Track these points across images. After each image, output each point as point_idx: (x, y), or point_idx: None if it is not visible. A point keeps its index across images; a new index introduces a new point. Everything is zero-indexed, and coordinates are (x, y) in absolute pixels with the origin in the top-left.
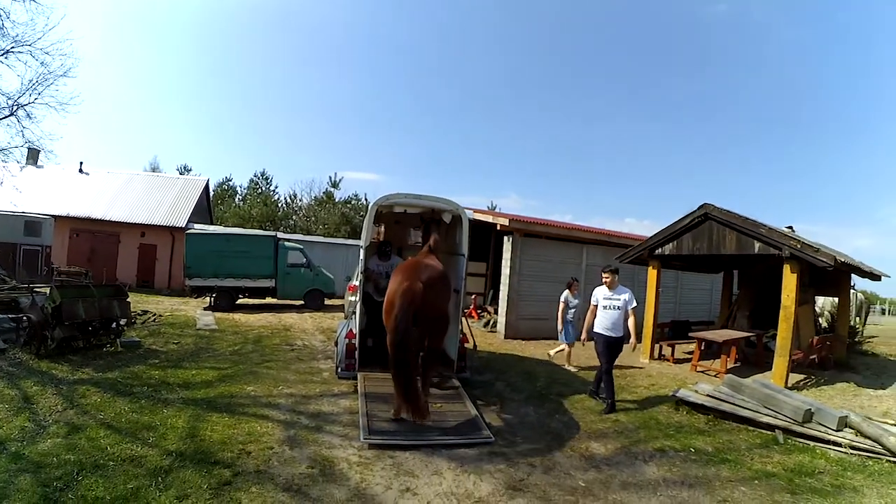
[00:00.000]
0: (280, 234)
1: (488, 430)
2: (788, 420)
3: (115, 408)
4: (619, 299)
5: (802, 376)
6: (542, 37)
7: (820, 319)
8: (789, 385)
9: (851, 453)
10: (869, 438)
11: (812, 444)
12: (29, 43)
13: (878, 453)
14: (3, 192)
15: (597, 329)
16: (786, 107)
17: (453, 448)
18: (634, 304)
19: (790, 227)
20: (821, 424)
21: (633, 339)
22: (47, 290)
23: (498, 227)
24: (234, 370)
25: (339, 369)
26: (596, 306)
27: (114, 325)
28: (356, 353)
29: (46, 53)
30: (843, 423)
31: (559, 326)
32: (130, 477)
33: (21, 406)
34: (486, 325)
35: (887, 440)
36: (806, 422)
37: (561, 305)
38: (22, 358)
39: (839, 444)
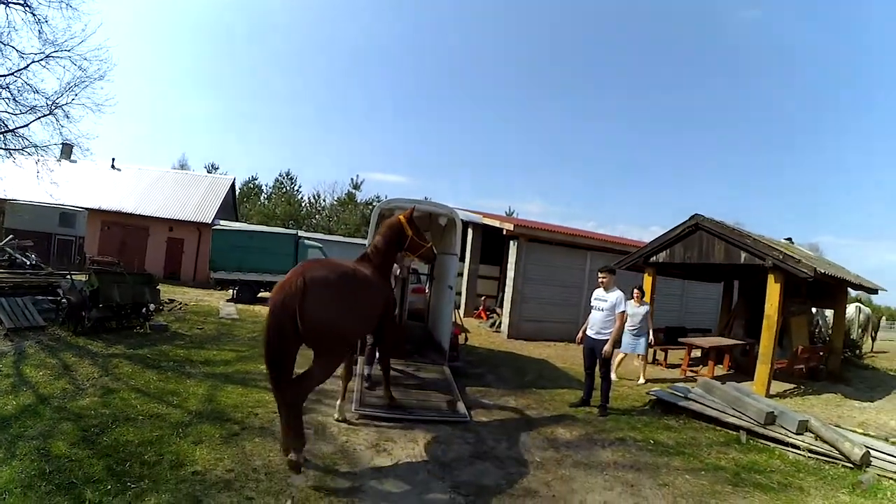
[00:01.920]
0: (301, 233)
1: (466, 412)
2: (752, 421)
3: (144, 377)
4: (605, 300)
5: (791, 386)
6: (571, 39)
7: (824, 331)
8: (772, 393)
9: (809, 456)
10: (826, 442)
11: (773, 445)
12: (68, 49)
13: (835, 458)
14: (39, 185)
15: (587, 330)
16: (814, 110)
17: (433, 423)
18: (623, 307)
19: (789, 239)
20: (783, 427)
21: (607, 346)
22: (83, 277)
23: (504, 232)
24: (250, 352)
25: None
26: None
27: (144, 309)
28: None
29: (84, 59)
30: (804, 427)
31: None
32: (156, 427)
33: (61, 372)
34: (493, 325)
35: (842, 445)
36: (769, 424)
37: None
38: (60, 335)
39: (798, 447)
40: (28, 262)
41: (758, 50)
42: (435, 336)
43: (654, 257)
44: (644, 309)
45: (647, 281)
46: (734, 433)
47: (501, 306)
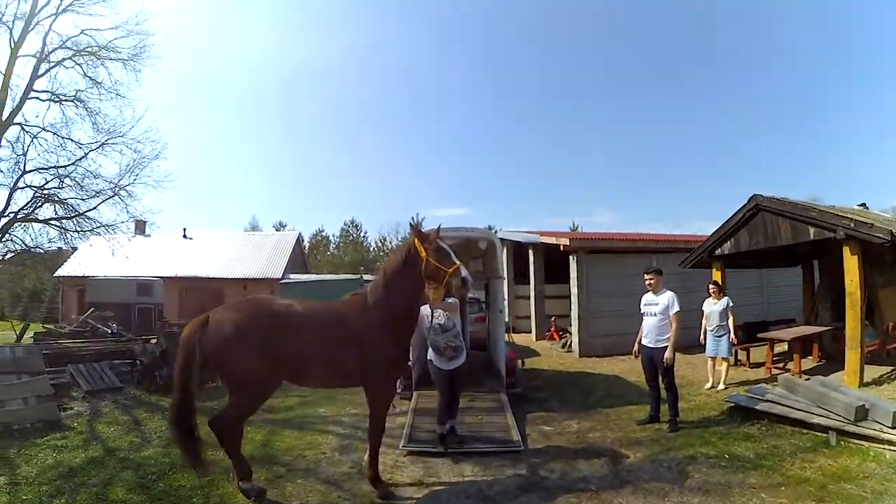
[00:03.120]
0: (367, 276)
1: (520, 439)
2: (841, 419)
3: (206, 428)
4: (657, 303)
5: (888, 369)
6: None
7: None
8: (867, 381)
9: None
10: None
11: (867, 444)
12: (121, 134)
13: None
14: (115, 261)
15: (642, 340)
16: None
17: (484, 455)
18: (676, 308)
19: (862, 205)
20: (876, 422)
21: (668, 353)
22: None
23: (561, 248)
24: (313, 396)
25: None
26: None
27: None
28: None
29: (138, 142)
30: None
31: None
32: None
33: (131, 427)
34: (564, 345)
35: None
36: (860, 420)
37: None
38: (135, 394)
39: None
40: (109, 331)
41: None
42: (494, 364)
43: (719, 249)
44: (722, 304)
45: (717, 275)
46: (822, 435)
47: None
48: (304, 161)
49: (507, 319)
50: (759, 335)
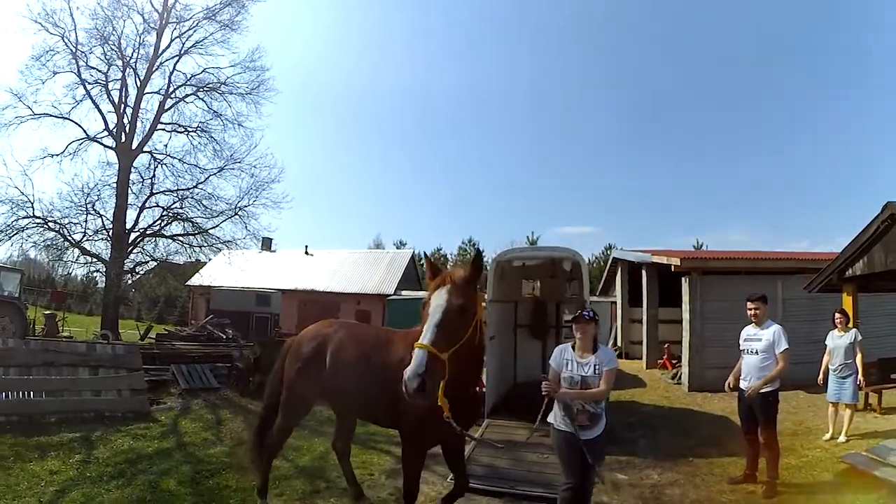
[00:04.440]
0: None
1: None
2: None
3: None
4: (759, 339)
5: None
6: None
7: None
8: None
9: None
10: None
11: None
12: (239, 160)
13: None
14: (240, 273)
15: (741, 382)
16: None
17: (535, 501)
18: (785, 345)
19: None
20: None
21: (755, 383)
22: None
23: (672, 269)
24: None
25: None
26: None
27: None
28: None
29: (254, 167)
30: None
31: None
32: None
33: (212, 425)
34: (674, 377)
35: None
36: None
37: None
38: (229, 395)
39: None
40: (224, 337)
41: None
42: None
43: (850, 270)
44: (849, 338)
45: (847, 302)
46: None
47: None
48: (430, 178)
49: (618, 344)
50: (894, 376)
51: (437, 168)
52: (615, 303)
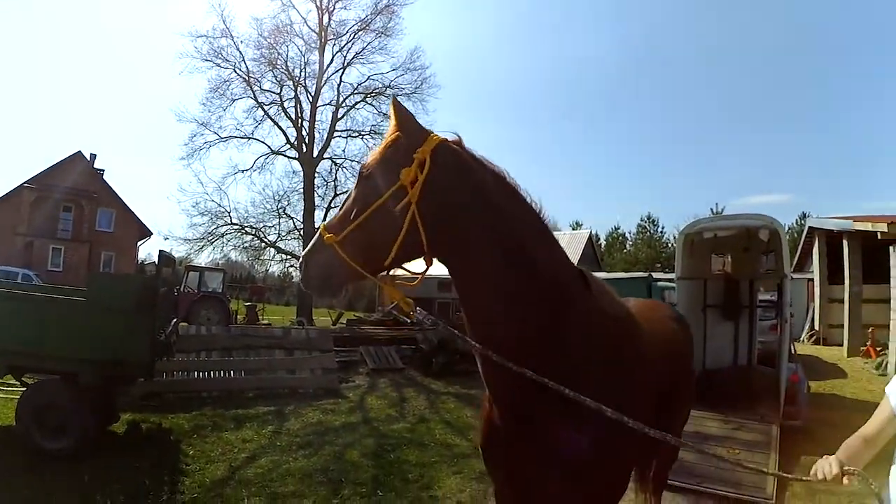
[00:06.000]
0: (656, 275)
1: (773, 492)
2: None
3: (459, 412)
4: None
5: None
6: None
7: None
8: None
9: None
10: None
11: None
12: None
13: None
14: (419, 262)
15: None
16: None
17: (722, 500)
18: None
19: None
20: None
21: None
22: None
23: (879, 237)
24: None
25: None
26: None
27: None
28: None
29: None
30: None
31: None
32: (437, 454)
33: (396, 403)
34: (879, 367)
35: None
36: None
37: None
38: (413, 375)
39: None
40: (409, 322)
41: None
42: (777, 386)
43: None
44: None
45: None
46: None
47: None
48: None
49: (815, 328)
50: None
51: (616, 140)
52: (812, 280)
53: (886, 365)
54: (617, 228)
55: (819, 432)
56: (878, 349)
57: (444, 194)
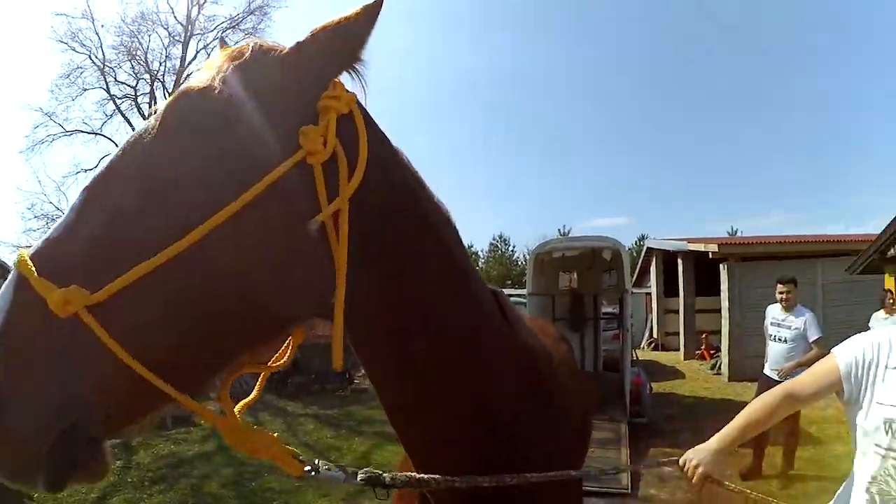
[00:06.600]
0: (507, 291)
1: (628, 483)
2: None
3: (319, 434)
4: (788, 326)
5: None
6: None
7: None
8: None
9: None
10: None
11: None
12: None
13: None
14: None
15: (765, 369)
16: None
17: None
18: (818, 333)
19: None
20: None
21: (787, 365)
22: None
23: (710, 256)
24: None
25: None
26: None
27: (347, 374)
28: None
29: None
30: None
31: None
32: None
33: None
34: (713, 367)
35: None
36: None
37: None
38: (268, 398)
39: None
40: None
41: None
42: (622, 388)
43: (892, 249)
44: None
45: (890, 282)
46: None
47: None
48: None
49: (654, 336)
50: None
51: (467, 160)
52: (650, 294)
53: (720, 365)
54: (470, 247)
55: (663, 427)
56: (712, 352)
57: (384, 196)
